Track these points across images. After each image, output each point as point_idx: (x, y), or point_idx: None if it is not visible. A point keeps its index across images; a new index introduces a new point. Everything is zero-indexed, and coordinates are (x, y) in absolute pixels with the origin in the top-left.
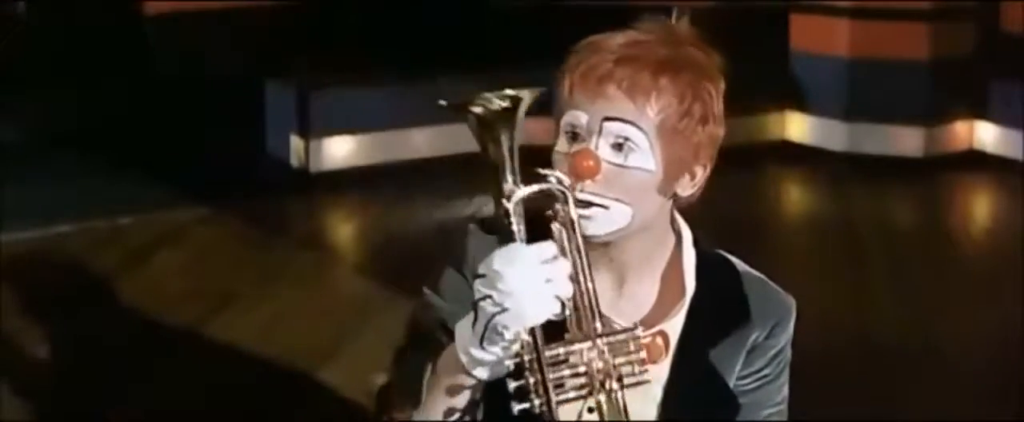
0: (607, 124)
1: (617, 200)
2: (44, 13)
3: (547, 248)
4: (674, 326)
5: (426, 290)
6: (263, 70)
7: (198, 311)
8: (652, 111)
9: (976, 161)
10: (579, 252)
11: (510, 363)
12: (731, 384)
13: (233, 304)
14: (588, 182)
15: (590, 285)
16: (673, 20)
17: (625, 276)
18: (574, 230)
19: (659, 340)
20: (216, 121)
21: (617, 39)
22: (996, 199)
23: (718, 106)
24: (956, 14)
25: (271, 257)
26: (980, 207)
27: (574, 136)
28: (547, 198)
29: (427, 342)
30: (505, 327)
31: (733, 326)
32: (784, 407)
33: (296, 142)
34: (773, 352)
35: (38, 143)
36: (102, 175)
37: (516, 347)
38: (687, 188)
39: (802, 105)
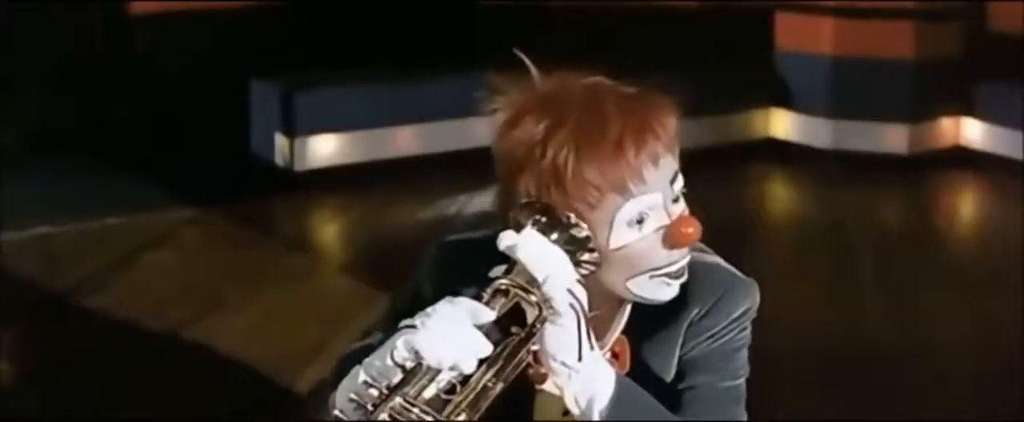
0: (674, 184)
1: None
2: (28, 13)
3: (486, 313)
4: (620, 326)
5: (386, 308)
6: (248, 70)
7: (186, 311)
8: (672, 139)
9: (962, 158)
10: (510, 359)
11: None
12: (672, 372)
13: (221, 304)
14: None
15: (490, 385)
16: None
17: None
18: (527, 341)
19: (615, 350)
20: (201, 121)
21: (609, 105)
22: (982, 196)
23: None
24: (941, 12)
25: (258, 257)
26: (966, 204)
27: (639, 218)
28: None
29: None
30: (405, 345)
31: (669, 312)
32: (725, 393)
33: (281, 141)
34: (711, 332)
35: (24, 145)
36: (88, 176)
37: (391, 380)
38: None
39: (787, 103)
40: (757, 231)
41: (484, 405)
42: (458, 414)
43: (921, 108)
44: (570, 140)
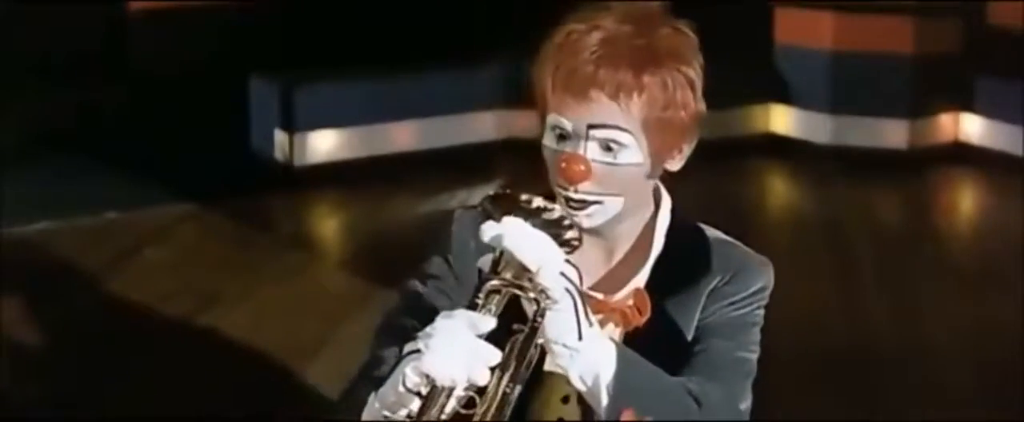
0: (593, 130)
1: (610, 194)
2: (25, 11)
3: (486, 322)
4: (640, 281)
5: (408, 281)
6: (247, 66)
7: (185, 307)
8: (637, 109)
9: (961, 154)
10: (521, 359)
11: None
12: (690, 334)
13: (220, 299)
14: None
15: (508, 391)
16: None
17: (613, 249)
18: (532, 339)
19: (632, 301)
20: (200, 118)
21: (594, 36)
22: (981, 192)
23: (699, 84)
24: (941, 8)
25: (257, 252)
26: (965, 200)
27: (561, 135)
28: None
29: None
30: (414, 370)
31: (692, 275)
32: (738, 363)
33: (280, 137)
34: (732, 299)
35: (22, 141)
36: (88, 172)
37: (409, 407)
38: (676, 164)
39: (787, 98)
40: (756, 227)
41: (508, 411)
42: None
43: (920, 104)
44: (566, 41)
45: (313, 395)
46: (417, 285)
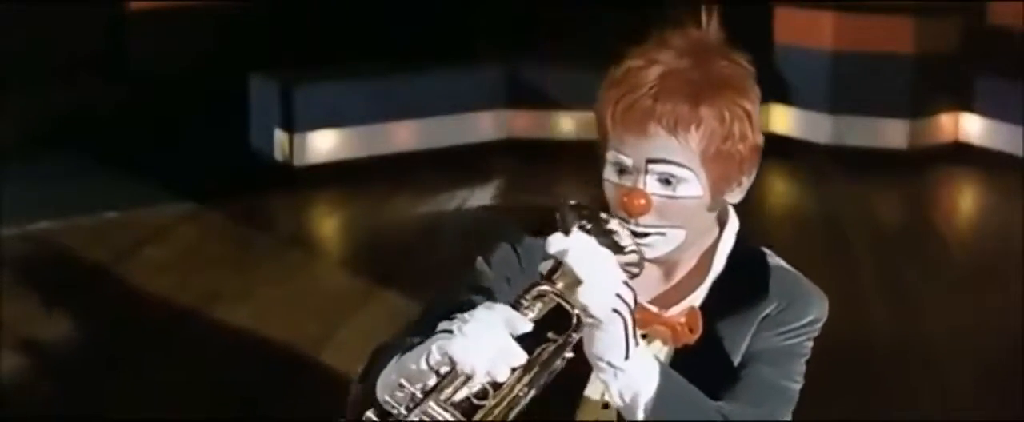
0: (652, 165)
1: (671, 226)
2: (25, 11)
3: (522, 324)
4: (696, 299)
5: (479, 259)
6: (247, 66)
7: (185, 306)
8: (695, 142)
9: (961, 154)
10: (545, 367)
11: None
12: (737, 357)
13: (220, 299)
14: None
15: (522, 394)
16: (703, 21)
17: (673, 270)
18: (562, 350)
19: (684, 319)
20: (200, 117)
21: (652, 71)
22: (981, 192)
23: (756, 116)
24: (941, 8)
25: (257, 252)
26: (965, 200)
27: (621, 170)
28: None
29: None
30: (440, 350)
31: (748, 299)
32: (781, 391)
33: (280, 137)
34: (784, 328)
35: (22, 141)
36: (87, 172)
37: (426, 383)
38: (735, 195)
39: (787, 98)
40: (755, 227)
41: (515, 412)
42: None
43: (920, 104)
44: (625, 77)
45: (313, 395)
46: (484, 265)
